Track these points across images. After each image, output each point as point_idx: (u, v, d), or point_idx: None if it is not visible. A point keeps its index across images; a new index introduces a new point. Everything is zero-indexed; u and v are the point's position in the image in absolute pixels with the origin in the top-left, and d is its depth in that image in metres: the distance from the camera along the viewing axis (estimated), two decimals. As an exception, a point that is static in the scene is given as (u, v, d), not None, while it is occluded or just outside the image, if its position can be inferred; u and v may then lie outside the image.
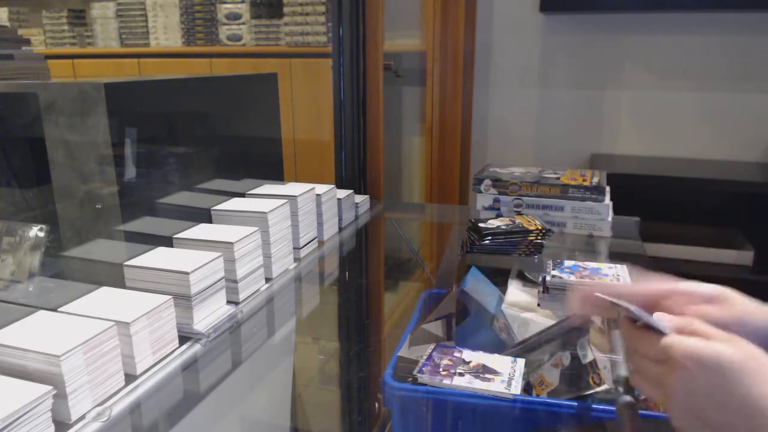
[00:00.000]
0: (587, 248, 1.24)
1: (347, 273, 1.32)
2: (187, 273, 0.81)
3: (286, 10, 2.88)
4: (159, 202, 0.96)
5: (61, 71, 3.19)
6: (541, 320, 0.89)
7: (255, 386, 0.92)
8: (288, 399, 0.98)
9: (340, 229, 1.37)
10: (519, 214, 1.29)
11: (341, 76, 1.58)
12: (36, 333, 0.67)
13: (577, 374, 0.77)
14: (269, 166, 1.34)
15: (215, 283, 0.87)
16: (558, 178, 1.33)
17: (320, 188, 1.25)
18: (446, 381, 0.72)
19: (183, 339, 0.82)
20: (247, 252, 0.96)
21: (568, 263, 0.85)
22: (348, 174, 1.64)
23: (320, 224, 1.25)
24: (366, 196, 1.56)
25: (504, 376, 0.73)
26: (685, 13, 2.39)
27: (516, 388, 0.71)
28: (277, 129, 1.36)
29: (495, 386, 0.71)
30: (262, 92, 1.29)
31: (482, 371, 0.74)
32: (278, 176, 1.35)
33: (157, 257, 0.87)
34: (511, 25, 2.64)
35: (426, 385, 0.73)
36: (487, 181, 1.34)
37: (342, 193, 1.38)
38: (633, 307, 0.54)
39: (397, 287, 1.40)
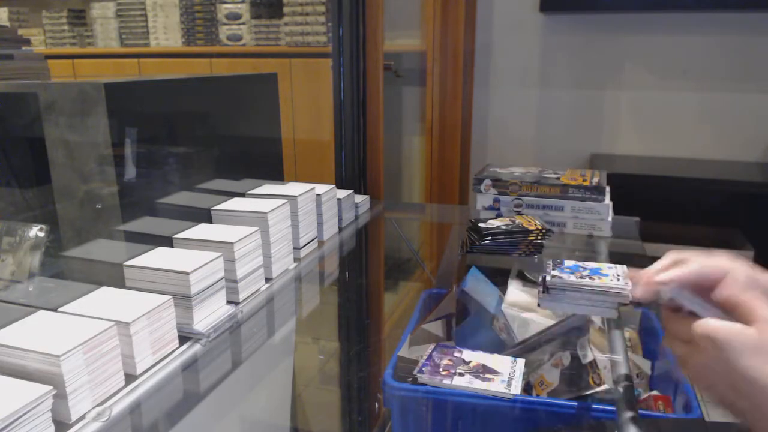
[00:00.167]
0: (587, 248, 1.24)
1: (347, 273, 1.32)
2: (187, 273, 0.81)
3: (286, 10, 2.88)
4: (159, 202, 0.96)
5: (61, 71, 3.19)
6: (541, 320, 0.89)
7: (255, 386, 0.92)
8: (288, 399, 0.98)
9: (340, 229, 1.37)
10: (519, 214, 1.29)
11: (341, 76, 1.58)
12: (36, 333, 0.67)
13: (577, 374, 0.77)
14: (269, 166, 1.34)
15: (215, 283, 0.87)
16: (558, 178, 1.33)
17: (320, 188, 1.25)
18: (446, 381, 0.72)
19: (183, 339, 0.82)
20: (247, 252, 0.96)
21: (568, 263, 0.85)
22: (348, 174, 1.64)
23: (320, 224, 1.25)
24: (366, 196, 1.56)
25: (504, 376, 0.73)
26: (685, 13, 2.39)
27: (516, 388, 0.71)
28: (277, 129, 1.36)
29: (495, 386, 0.71)
30: (262, 92, 1.29)
31: (482, 371, 0.74)
32: (278, 176, 1.35)
33: (157, 257, 0.87)
34: (511, 25, 2.64)
35: (426, 385, 0.73)
36: (487, 181, 1.34)
37: (342, 193, 1.38)
38: (689, 298, 0.58)
39: (397, 287, 1.40)
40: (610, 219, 1.28)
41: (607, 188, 1.33)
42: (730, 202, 2.39)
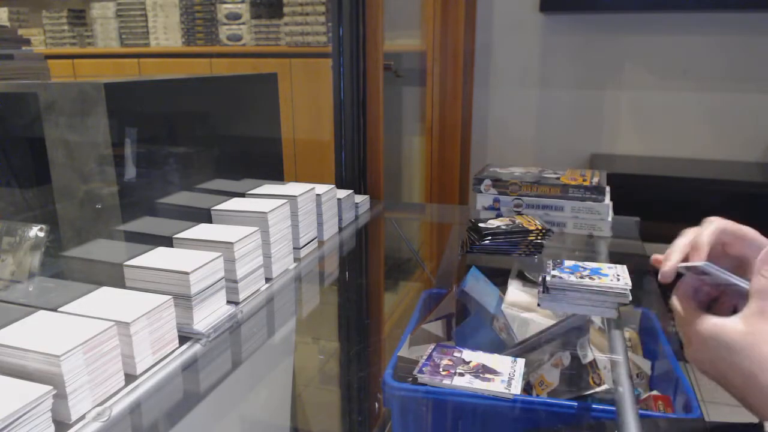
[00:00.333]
0: (587, 248, 1.24)
1: (347, 273, 1.32)
2: (187, 273, 0.81)
3: (286, 10, 2.88)
4: (159, 202, 0.96)
5: (61, 71, 3.19)
6: (541, 320, 0.89)
7: (255, 386, 0.92)
8: (288, 399, 0.98)
9: (340, 229, 1.37)
10: (519, 214, 1.29)
11: (341, 76, 1.58)
12: (36, 333, 0.67)
13: (577, 374, 0.77)
14: (269, 166, 1.34)
15: (215, 283, 0.87)
16: (558, 178, 1.33)
17: (320, 188, 1.25)
18: (446, 381, 0.72)
19: (183, 339, 0.82)
20: (247, 252, 0.96)
21: (568, 263, 0.85)
22: (348, 174, 1.64)
23: (320, 224, 1.25)
24: (366, 196, 1.56)
25: (504, 376, 0.73)
26: (685, 13, 2.39)
27: (516, 388, 0.71)
28: (277, 129, 1.36)
29: (495, 386, 0.71)
30: (262, 92, 1.29)
31: (482, 371, 0.74)
32: (278, 176, 1.35)
33: (157, 257, 0.87)
34: (511, 25, 2.64)
35: (426, 385, 0.73)
36: (487, 181, 1.34)
37: (342, 193, 1.38)
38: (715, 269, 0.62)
39: (397, 287, 1.40)
40: (610, 219, 1.28)
41: (607, 188, 1.33)
42: (730, 202, 2.39)
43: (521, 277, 1.03)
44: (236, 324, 0.90)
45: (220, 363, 0.84)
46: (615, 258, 1.17)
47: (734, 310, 0.60)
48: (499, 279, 1.01)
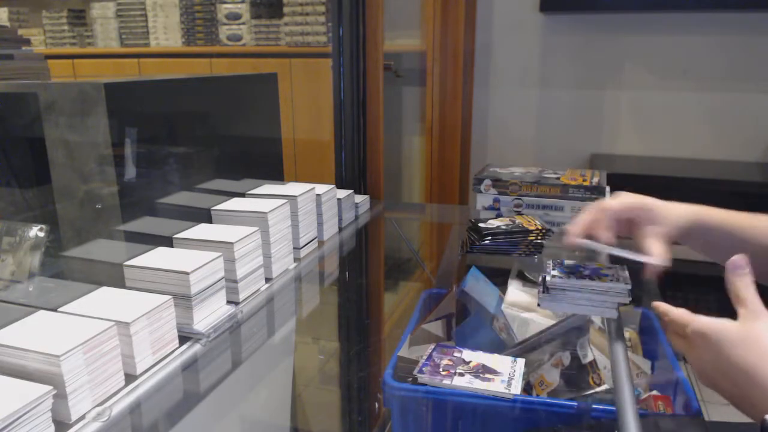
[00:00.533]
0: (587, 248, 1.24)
1: (347, 273, 1.32)
2: (187, 273, 0.81)
3: (286, 10, 2.88)
4: (159, 202, 0.96)
5: (61, 71, 3.19)
6: (541, 320, 0.89)
7: (255, 386, 0.92)
8: (288, 399, 0.98)
9: (340, 229, 1.37)
10: (519, 214, 1.29)
11: (341, 76, 1.58)
12: (36, 333, 0.67)
13: (577, 374, 0.77)
14: (269, 166, 1.34)
15: (215, 283, 0.87)
16: (558, 178, 1.33)
17: (320, 188, 1.25)
18: (446, 381, 0.72)
19: (183, 339, 0.82)
20: (247, 252, 0.96)
21: (568, 263, 0.85)
22: (348, 174, 1.64)
23: (320, 224, 1.25)
24: (366, 196, 1.56)
25: (504, 376, 0.73)
26: (685, 13, 2.39)
27: (516, 388, 0.71)
28: (277, 129, 1.36)
29: (495, 386, 0.71)
30: (262, 92, 1.29)
31: (482, 371, 0.74)
32: (278, 176, 1.35)
33: (157, 257, 0.87)
34: (511, 25, 2.64)
35: (426, 385, 0.73)
36: (487, 181, 1.34)
37: (342, 193, 1.38)
38: (608, 249, 0.74)
39: (397, 287, 1.40)
40: (610, 219, 1.28)
41: (607, 188, 1.33)
42: (730, 202, 2.39)
43: (521, 277, 1.03)
44: (236, 324, 0.90)
45: (220, 363, 0.84)
46: (615, 258, 1.17)
47: None
48: (499, 279, 1.01)
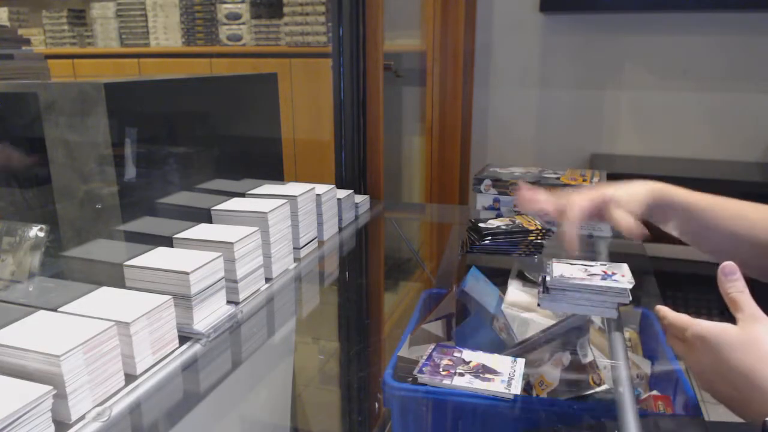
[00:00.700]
0: (587, 248, 1.24)
1: (347, 273, 1.32)
2: (187, 273, 0.81)
3: (286, 10, 2.88)
4: (159, 202, 0.96)
5: (61, 71, 3.19)
6: (541, 320, 0.89)
7: (255, 386, 0.92)
8: (288, 399, 0.99)
9: (340, 229, 1.37)
10: (519, 214, 1.29)
11: (341, 76, 1.58)
12: (36, 333, 0.67)
13: (577, 374, 0.77)
14: (269, 166, 1.34)
15: (215, 283, 0.87)
16: (558, 178, 1.33)
17: (320, 188, 1.25)
18: (446, 381, 0.72)
19: (183, 339, 0.82)
20: (247, 252, 0.96)
21: (568, 263, 0.85)
22: (348, 174, 1.64)
23: (320, 224, 1.25)
24: (366, 196, 1.56)
25: (504, 376, 0.73)
26: (685, 13, 2.39)
27: (516, 388, 0.71)
28: (277, 129, 1.36)
29: (495, 386, 0.71)
30: (262, 92, 1.29)
31: (482, 371, 0.74)
32: (278, 176, 1.35)
33: (157, 257, 0.87)
34: (511, 25, 2.64)
35: (426, 385, 0.73)
36: (487, 181, 1.34)
37: (342, 193, 1.38)
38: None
39: (397, 287, 1.40)
40: (610, 219, 1.28)
41: (607, 188, 1.33)
42: (730, 202, 2.39)
43: (521, 277, 1.03)
44: (236, 324, 0.90)
45: (220, 363, 0.84)
46: (615, 258, 1.17)
47: None
48: (499, 279, 1.01)
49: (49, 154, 0.86)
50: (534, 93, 2.69)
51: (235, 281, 0.94)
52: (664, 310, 0.69)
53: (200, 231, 0.98)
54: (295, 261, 1.14)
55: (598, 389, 0.75)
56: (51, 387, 0.59)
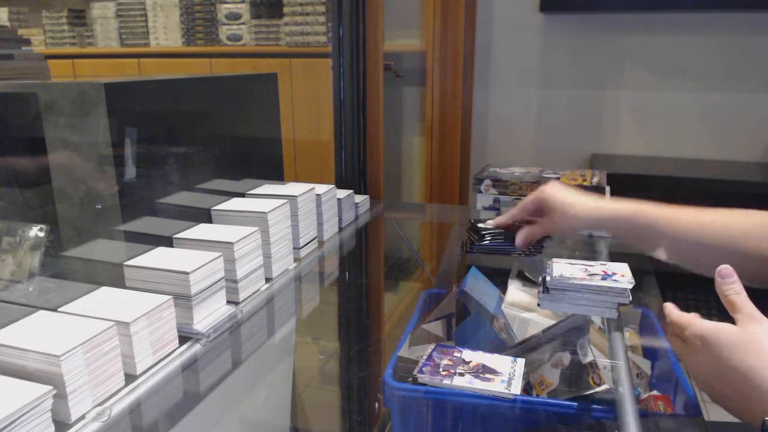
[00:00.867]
0: (587, 248, 1.24)
1: (347, 273, 1.32)
2: (187, 273, 0.81)
3: (286, 10, 2.88)
4: (159, 202, 0.96)
5: (61, 71, 3.19)
6: (541, 320, 0.89)
7: (255, 386, 0.92)
8: (288, 399, 0.99)
9: (340, 229, 1.37)
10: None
11: (341, 76, 1.58)
12: (36, 333, 0.67)
13: (577, 374, 0.77)
14: (269, 166, 1.34)
15: (215, 283, 0.87)
16: (558, 178, 1.33)
17: (320, 188, 1.25)
18: (446, 381, 0.72)
19: (183, 339, 0.82)
20: (247, 252, 0.96)
21: (568, 263, 0.85)
22: (348, 174, 1.64)
23: (320, 224, 1.25)
24: (366, 196, 1.56)
25: (504, 376, 0.73)
26: (685, 13, 2.39)
27: (516, 388, 0.71)
28: (277, 129, 1.36)
29: (495, 386, 0.71)
30: (262, 92, 1.29)
31: (482, 371, 0.74)
32: (278, 176, 1.35)
33: (157, 257, 0.87)
34: (511, 25, 2.64)
35: (426, 385, 0.73)
36: (487, 181, 1.34)
37: (342, 193, 1.38)
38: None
39: (397, 287, 1.40)
40: (610, 219, 1.28)
41: (607, 188, 1.33)
42: (730, 202, 2.39)
43: (521, 277, 1.03)
44: (236, 324, 0.90)
45: (220, 363, 0.84)
46: (615, 258, 1.17)
47: None
48: (499, 279, 1.01)
49: (49, 154, 0.86)
50: (534, 93, 2.69)
51: (235, 281, 0.94)
52: (669, 308, 0.69)
53: (200, 231, 0.98)
54: (295, 261, 1.14)
55: (598, 389, 0.75)
56: (51, 387, 0.59)
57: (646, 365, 0.91)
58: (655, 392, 0.82)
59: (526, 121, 2.72)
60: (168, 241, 0.95)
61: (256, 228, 0.99)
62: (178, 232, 0.97)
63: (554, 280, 0.78)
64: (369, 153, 1.66)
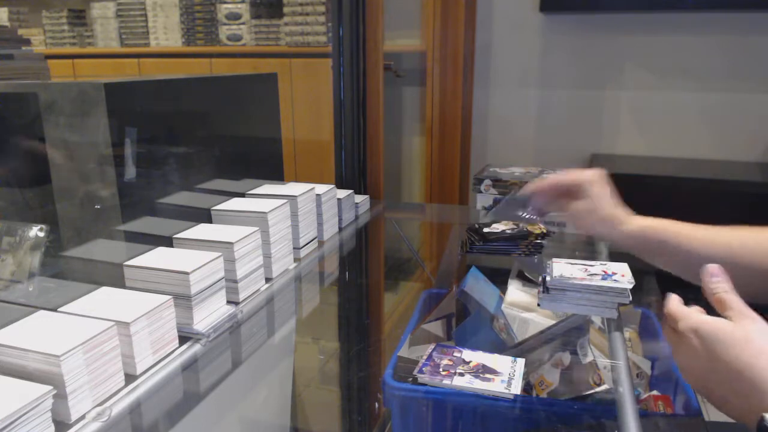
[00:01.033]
0: (587, 248, 1.24)
1: (347, 273, 1.32)
2: (187, 273, 0.81)
3: (286, 10, 2.88)
4: (159, 202, 0.96)
5: (61, 71, 3.19)
6: (541, 320, 0.89)
7: (255, 386, 0.92)
8: (288, 399, 0.99)
9: (340, 229, 1.37)
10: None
11: (341, 76, 1.58)
12: (36, 333, 0.67)
13: (577, 374, 0.77)
14: (269, 166, 1.34)
15: (215, 283, 0.87)
16: (558, 178, 1.33)
17: (320, 188, 1.25)
18: (446, 381, 0.72)
19: (183, 339, 0.82)
20: (247, 252, 0.96)
21: (568, 263, 0.85)
22: (348, 174, 1.64)
23: (320, 224, 1.25)
24: (366, 196, 1.56)
25: (504, 376, 0.73)
26: (685, 13, 2.39)
27: (516, 388, 0.71)
28: (277, 129, 1.36)
29: (495, 386, 0.71)
30: (262, 92, 1.29)
31: (482, 371, 0.74)
32: (278, 176, 1.35)
33: (157, 257, 0.87)
34: (511, 25, 2.64)
35: (426, 385, 0.73)
36: (487, 181, 1.34)
37: (342, 193, 1.38)
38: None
39: (397, 287, 1.40)
40: (610, 219, 1.28)
41: (607, 188, 1.33)
42: (730, 202, 2.39)
43: (521, 277, 1.03)
44: (236, 324, 0.90)
45: (220, 363, 0.84)
46: (615, 258, 1.17)
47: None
48: (499, 279, 1.01)
49: (49, 154, 0.86)
50: (534, 93, 2.69)
51: (235, 281, 0.94)
52: (670, 298, 0.67)
53: (200, 231, 0.98)
54: (295, 261, 1.14)
55: (598, 389, 0.75)
56: (51, 387, 0.59)
57: (646, 365, 0.91)
58: (655, 392, 0.82)
59: (526, 121, 2.72)
60: (168, 241, 0.95)
61: (256, 228, 0.99)
62: (178, 232, 0.97)
63: (554, 280, 0.78)
64: (369, 153, 1.66)
